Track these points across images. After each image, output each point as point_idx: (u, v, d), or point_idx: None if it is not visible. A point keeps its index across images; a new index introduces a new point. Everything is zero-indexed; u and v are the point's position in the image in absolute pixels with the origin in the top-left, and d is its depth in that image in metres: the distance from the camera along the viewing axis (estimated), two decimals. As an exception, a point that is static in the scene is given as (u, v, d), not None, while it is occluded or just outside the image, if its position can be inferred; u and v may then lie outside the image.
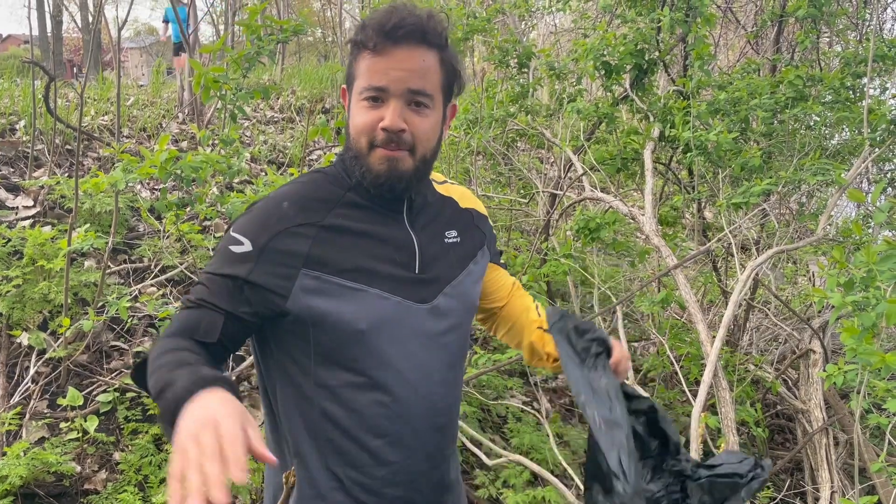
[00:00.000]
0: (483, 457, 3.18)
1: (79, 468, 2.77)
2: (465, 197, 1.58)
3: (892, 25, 6.95)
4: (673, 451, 1.37)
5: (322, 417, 1.34)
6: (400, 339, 1.34)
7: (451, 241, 1.46)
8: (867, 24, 4.76)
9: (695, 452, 2.62)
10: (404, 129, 1.28)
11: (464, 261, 1.48)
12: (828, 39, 5.47)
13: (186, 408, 0.95)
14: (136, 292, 3.69)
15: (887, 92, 4.34)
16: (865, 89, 3.51)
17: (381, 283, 1.32)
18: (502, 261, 1.69)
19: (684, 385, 3.21)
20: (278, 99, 7.64)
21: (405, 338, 1.34)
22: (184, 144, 5.63)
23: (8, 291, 3.34)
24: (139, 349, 3.35)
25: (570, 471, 3.05)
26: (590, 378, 1.32)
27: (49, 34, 20.09)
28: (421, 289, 1.37)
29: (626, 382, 1.40)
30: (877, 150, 3.32)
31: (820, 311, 3.94)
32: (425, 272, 1.39)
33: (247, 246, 1.27)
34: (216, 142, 2.88)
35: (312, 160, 6.13)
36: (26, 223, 3.95)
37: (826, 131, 3.97)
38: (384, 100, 1.28)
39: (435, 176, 1.54)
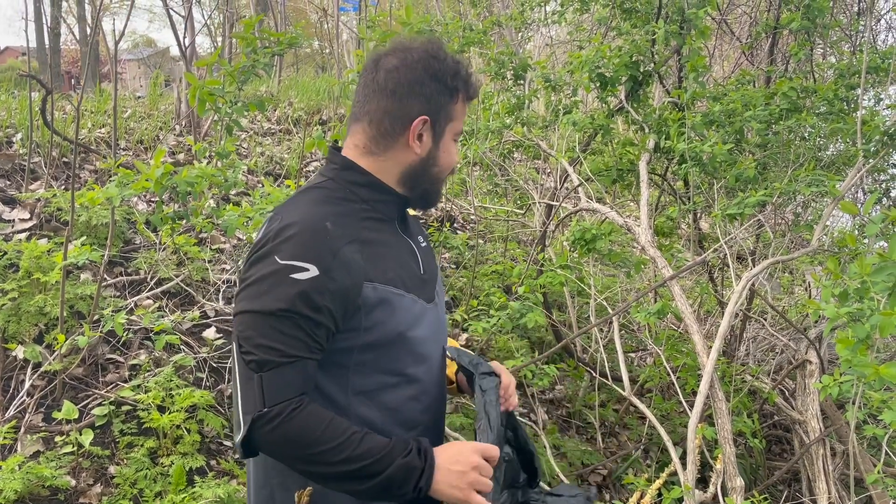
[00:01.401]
0: (480, 469, 3.17)
1: (74, 482, 2.76)
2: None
3: (886, 37, 6.99)
4: (533, 486, 1.63)
5: (359, 423, 1.38)
6: (424, 336, 1.47)
7: (424, 245, 1.60)
8: (861, 35, 4.79)
9: (691, 463, 2.62)
10: None
11: (436, 261, 1.66)
12: (822, 51, 5.50)
13: (439, 461, 1.31)
14: (132, 305, 3.69)
15: (881, 103, 4.36)
16: (859, 100, 3.52)
17: (412, 287, 1.45)
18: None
19: (681, 396, 3.21)
20: (275, 110, 7.66)
21: (427, 334, 1.48)
22: (181, 156, 5.63)
23: (4, 304, 3.33)
24: (135, 362, 3.34)
25: (567, 482, 3.04)
26: (486, 408, 1.51)
27: (47, 46, 20.13)
28: (427, 288, 1.52)
29: (515, 412, 1.64)
30: (871, 161, 3.34)
31: (816, 322, 3.95)
32: (425, 273, 1.53)
33: (313, 271, 1.28)
34: (213, 154, 2.88)
35: (310, 171, 6.14)
36: (22, 236, 3.94)
37: (820, 142, 3.98)
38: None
39: None
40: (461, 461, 1.32)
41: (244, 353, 1.28)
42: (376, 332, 1.37)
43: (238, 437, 1.28)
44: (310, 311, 1.27)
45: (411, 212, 1.68)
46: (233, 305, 1.40)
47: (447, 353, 1.64)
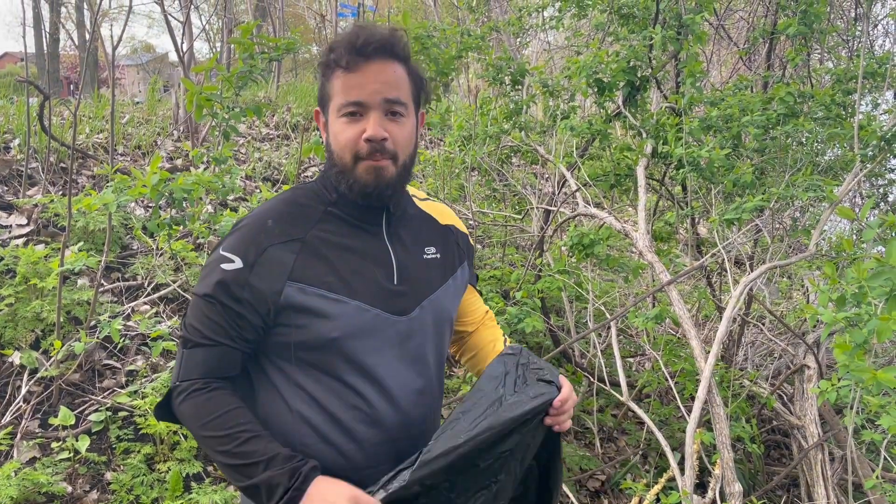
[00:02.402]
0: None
1: (70, 488, 2.75)
2: (445, 214, 1.63)
3: (883, 42, 7.00)
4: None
5: (299, 421, 1.39)
6: (376, 349, 1.39)
7: (430, 256, 1.51)
8: (857, 40, 4.80)
9: (689, 469, 2.61)
10: (386, 137, 1.34)
11: (443, 276, 1.53)
12: (819, 56, 5.51)
13: (311, 491, 1.23)
14: (129, 310, 3.68)
15: (878, 108, 4.37)
16: (856, 105, 3.53)
17: (362, 295, 1.38)
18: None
19: (679, 401, 3.20)
20: (274, 116, 7.66)
21: (382, 347, 1.40)
22: (178, 162, 5.63)
23: (0, 310, 3.32)
24: (132, 368, 3.33)
25: (565, 488, 3.03)
26: (477, 420, 1.32)
27: (45, 52, 20.16)
28: (399, 301, 1.42)
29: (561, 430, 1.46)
30: (868, 165, 3.34)
31: (814, 327, 3.94)
32: (403, 284, 1.44)
33: (237, 263, 1.35)
34: (210, 159, 2.88)
35: (307, 177, 6.14)
36: (19, 242, 3.94)
37: (818, 147, 3.98)
38: (363, 113, 1.35)
39: (416, 192, 1.60)
40: (329, 501, 1.24)
41: (180, 328, 1.41)
42: (306, 332, 1.35)
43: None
44: (229, 301, 1.34)
45: (442, 220, 1.58)
46: None
47: (516, 353, 1.47)
